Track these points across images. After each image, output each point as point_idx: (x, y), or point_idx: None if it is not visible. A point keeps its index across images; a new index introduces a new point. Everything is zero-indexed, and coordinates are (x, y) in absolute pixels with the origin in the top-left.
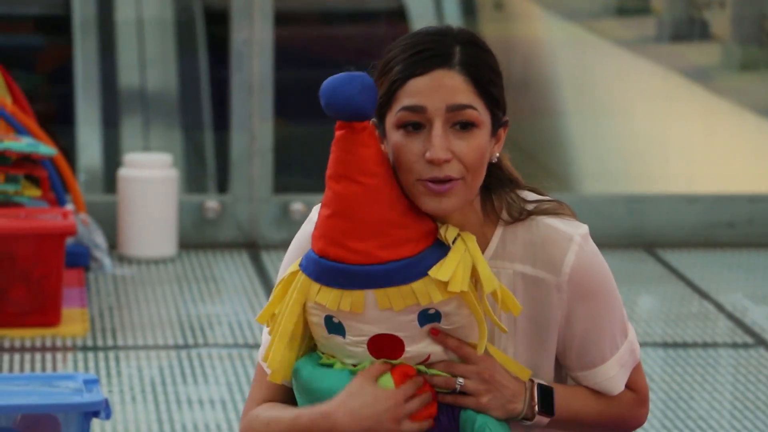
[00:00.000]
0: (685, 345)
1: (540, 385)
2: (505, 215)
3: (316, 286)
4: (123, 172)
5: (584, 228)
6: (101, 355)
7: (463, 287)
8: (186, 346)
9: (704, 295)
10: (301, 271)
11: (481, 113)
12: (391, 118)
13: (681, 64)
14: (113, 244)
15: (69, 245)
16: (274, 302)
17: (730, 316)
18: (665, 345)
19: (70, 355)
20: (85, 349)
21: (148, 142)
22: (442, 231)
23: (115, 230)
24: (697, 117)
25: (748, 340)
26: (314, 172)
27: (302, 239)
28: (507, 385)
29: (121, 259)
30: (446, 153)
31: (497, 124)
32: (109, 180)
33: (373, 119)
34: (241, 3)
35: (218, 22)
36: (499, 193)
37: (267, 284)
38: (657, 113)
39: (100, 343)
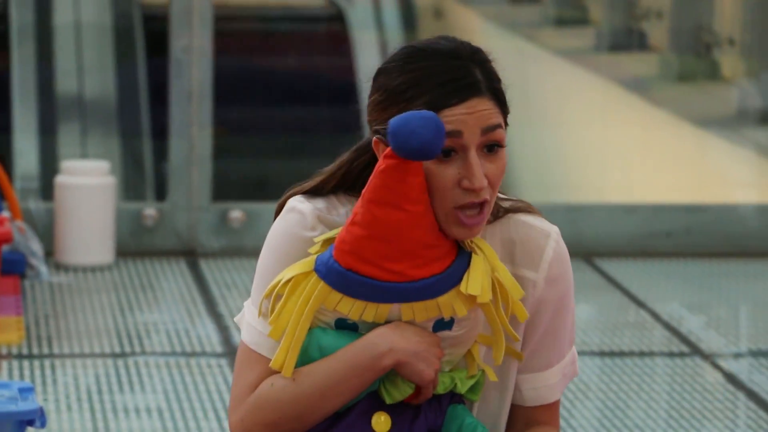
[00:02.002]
0: (621, 354)
1: None
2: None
3: (337, 295)
4: (60, 179)
5: (556, 227)
6: (37, 363)
7: (487, 299)
8: (123, 355)
9: (641, 304)
10: (317, 277)
11: (504, 130)
12: None
13: (619, 74)
14: (50, 252)
15: (5, 252)
16: (285, 316)
17: (667, 326)
18: (602, 354)
19: (5, 364)
20: (20, 357)
21: (85, 149)
22: (463, 244)
23: (52, 238)
24: (635, 127)
25: (684, 349)
26: (253, 180)
27: (294, 241)
28: None
29: (58, 266)
30: (484, 180)
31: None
32: (46, 187)
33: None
34: (180, 10)
35: (157, 29)
36: None
37: (205, 292)
38: (595, 123)
39: (35, 351)
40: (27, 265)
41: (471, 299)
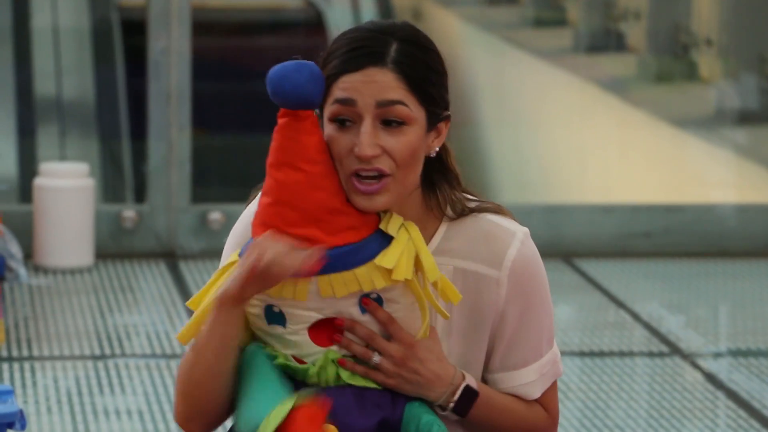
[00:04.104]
0: (601, 354)
1: (467, 387)
2: (449, 211)
3: None
4: (39, 182)
5: (526, 228)
6: (16, 365)
7: (407, 275)
8: (103, 357)
9: (621, 304)
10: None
11: (413, 110)
12: (327, 111)
13: (597, 75)
14: (29, 254)
15: None
16: (207, 289)
17: (646, 326)
18: (582, 354)
19: None
20: (0, 359)
21: (64, 152)
22: (384, 221)
23: (31, 240)
24: (613, 128)
25: (664, 349)
26: (233, 182)
27: (242, 228)
28: (423, 374)
29: (37, 269)
30: (374, 149)
31: (435, 119)
32: (25, 189)
33: (317, 111)
34: (158, 12)
35: (135, 31)
36: (443, 190)
37: (185, 294)
38: (573, 124)
39: (15, 353)
40: (6, 267)
41: (390, 274)
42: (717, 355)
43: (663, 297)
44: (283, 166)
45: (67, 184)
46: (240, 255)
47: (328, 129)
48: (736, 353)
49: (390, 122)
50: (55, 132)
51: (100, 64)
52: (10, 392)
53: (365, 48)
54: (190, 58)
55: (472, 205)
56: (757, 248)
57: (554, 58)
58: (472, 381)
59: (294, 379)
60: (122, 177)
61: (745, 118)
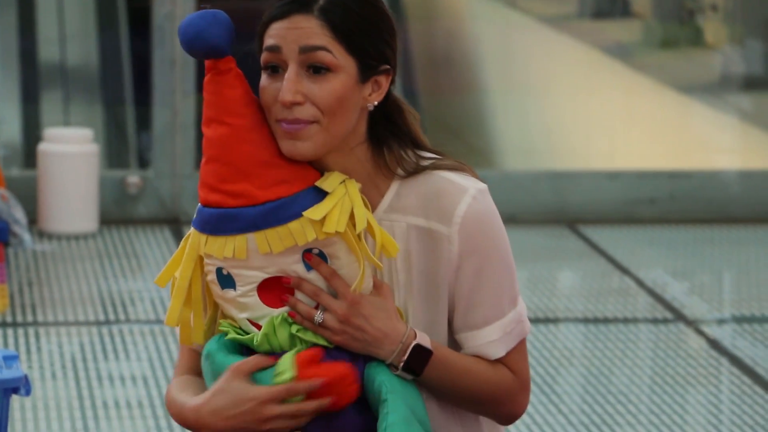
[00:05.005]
0: (605, 320)
1: (418, 345)
2: (399, 170)
3: (203, 237)
4: (43, 147)
5: (483, 185)
6: (21, 331)
7: (339, 228)
8: (107, 322)
9: (625, 270)
10: (192, 227)
11: (338, 58)
12: (261, 62)
13: (602, 40)
14: (33, 220)
15: None
16: (172, 264)
17: (651, 292)
18: (586, 320)
19: None
20: (4, 325)
21: (68, 117)
22: (323, 178)
23: (35, 205)
24: (618, 94)
25: (668, 315)
26: None
27: None
28: (369, 331)
29: (41, 234)
30: (295, 95)
31: (369, 71)
32: (29, 155)
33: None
34: None
35: None
36: (391, 147)
37: None
38: (579, 90)
39: (20, 319)
40: (10, 233)
41: (322, 227)
42: (721, 322)
43: (667, 263)
44: (211, 122)
45: (71, 150)
46: (192, 223)
47: (262, 79)
48: (740, 320)
49: (314, 68)
50: (59, 98)
51: (104, 30)
52: (15, 357)
53: None
54: None
55: (426, 163)
56: (762, 214)
57: (559, 24)
58: (424, 340)
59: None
60: (126, 142)
61: (751, 84)
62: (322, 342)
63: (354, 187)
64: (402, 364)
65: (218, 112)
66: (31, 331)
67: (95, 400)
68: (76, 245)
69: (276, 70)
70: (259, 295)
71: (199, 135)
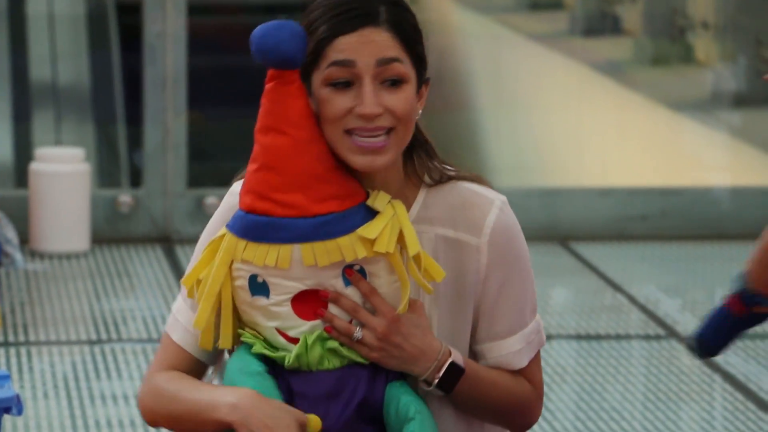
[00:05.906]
0: (598, 337)
1: (452, 364)
2: (426, 178)
3: (242, 242)
4: (34, 167)
5: (504, 197)
6: (13, 350)
7: (389, 248)
8: (99, 342)
9: (617, 287)
10: (228, 231)
11: (407, 69)
12: (318, 76)
13: (593, 58)
14: (25, 239)
15: None
16: (200, 265)
17: (643, 309)
18: (578, 337)
19: None
20: None
21: (59, 136)
22: (372, 197)
23: (27, 225)
24: (609, 111)
25: (660, 331)
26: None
27: (224, 209)
28: (407, 348)
29: (33, 254)
30: (377, 107)
31: (421, 81)
32: (21, 174)
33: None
34: None
35: (131, 15)
36: (420, 156)
37: (181, 279)
38: (570, 107)
39: (11, 338)
40: (2, 252)
41: (372, 246)
42: None
43: (659, 280)
44: (269, 130)
45: (63, 169)
46: (228, 227)
47: (322, 93)
48: None
49: (390, 81)
50: (50, 117)
51: (95, 49)
52: (7, 377)
53: (357, 10)
54: (185, 42)
55: (452, 173)
56: (753, 231)
57: (550, 42)
58: (458, 357)
59: (274, 364)
60: (118, 162)
61: (742, 101)
62: (358, 359)
63: (402, 208)
64: (436, 380)
65: (279, 121)
66: (23, 350)
67: (87, 420)
68: (68, 264)
69: (347, 84)
70: (292, 306)
71: (191, 154)
